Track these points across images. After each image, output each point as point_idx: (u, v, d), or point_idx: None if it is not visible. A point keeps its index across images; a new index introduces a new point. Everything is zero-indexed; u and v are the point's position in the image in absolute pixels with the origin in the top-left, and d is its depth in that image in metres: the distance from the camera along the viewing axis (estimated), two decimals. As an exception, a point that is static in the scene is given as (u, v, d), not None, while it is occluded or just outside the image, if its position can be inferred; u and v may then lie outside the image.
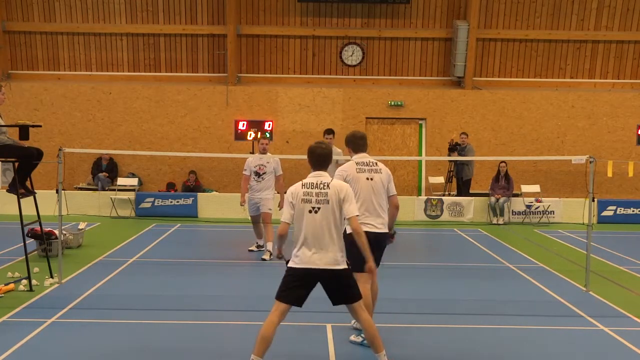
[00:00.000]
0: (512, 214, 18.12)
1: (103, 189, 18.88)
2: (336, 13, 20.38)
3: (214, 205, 17.98)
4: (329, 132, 12.43)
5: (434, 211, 18.15)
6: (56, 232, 10.52)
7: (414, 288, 9.66)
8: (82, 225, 13.02)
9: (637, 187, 20.06)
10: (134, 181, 19.22)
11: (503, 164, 18.23)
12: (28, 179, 9.28)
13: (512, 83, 20.75)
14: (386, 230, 6.71)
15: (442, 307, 8.48)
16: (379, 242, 6.56)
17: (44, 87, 20.06)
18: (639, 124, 20.32)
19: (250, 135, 19.62)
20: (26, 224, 9.10)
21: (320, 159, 5.81)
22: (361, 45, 20.51)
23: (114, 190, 18.52)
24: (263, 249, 11.95)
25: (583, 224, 10.17)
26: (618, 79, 20.72)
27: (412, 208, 17.91)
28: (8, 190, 9.25)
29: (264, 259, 11.41)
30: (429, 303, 8.72)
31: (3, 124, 8.95)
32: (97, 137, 19.98)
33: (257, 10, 20.31)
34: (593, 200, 9.52)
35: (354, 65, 20.64)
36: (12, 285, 8.79)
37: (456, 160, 18.59)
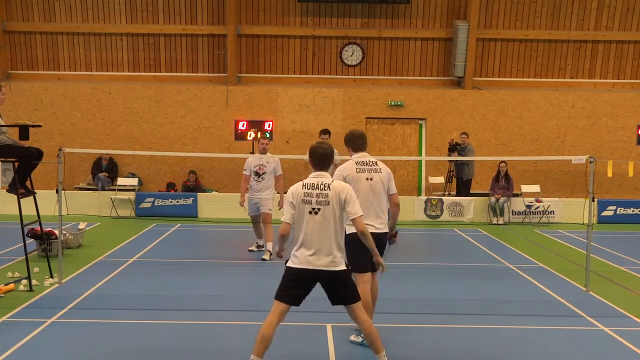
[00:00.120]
0: (512, 214, 18.12)
1: (103, 189, 18.88)
2: (336, 13, 20.39)
3: (214, 205, 17.99)
4: (325, 132, 12.46)
5: (434, 211, 18.15)
6: (56, 232, 10.52)
7: (414, 288, 9.66)
8: (82, 225, 13.02)
9: (637, 187, 20.06)
10: (134, 181, 19.22)
11: (503, 164, 18.23)
12: (28, 179, 9.28)
13: (512, 83, 20.75)
14: (386, 230, 6.70)
15: (442, 307, 8.48)
16: (379, 242, 6.54)
17: (44, 87, 20.06)
18: (639, 124, 20.32)
19: (250, 135, 19.63)
20: (26, 224, 9.10)
21: (321, 159, 5.80)
22: (361, 45, 20.51)
23: (114, 190, 18.52)
24: (263, 249, 11.95)
25: (583, 224, 10.17)
26: (618, 79, 20.72)
27: (412, 208, 17.91)
28: (8, 190, 9.25)
29: (264, 259, 11.41)
30: (429, 303, 8.72)
31: (3, 124, 8.95)
32: (97, 137, 19.98)
33: (257, 10, 20.31)
34: (593, 200, 9.52)
35: (354, 65, 20.64)
36: (12, 285, 8.79)
37: (456, 160, 18.59)
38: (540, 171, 20.11)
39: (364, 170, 6.65)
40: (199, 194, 18.34)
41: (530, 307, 8.50)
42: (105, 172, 19.45)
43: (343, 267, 5.65)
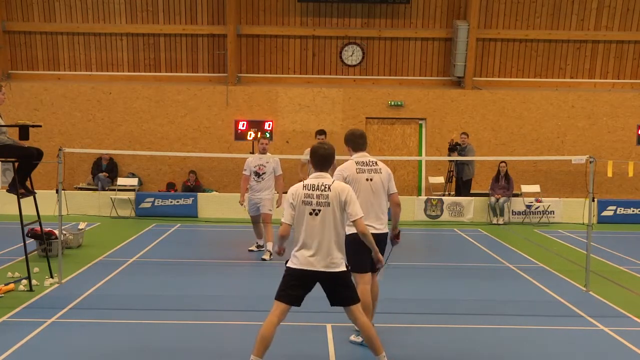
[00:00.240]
0: (512, 214, 18.12)
1: (103, 189, 18.88)
2: (336, 13, 20.38)
3: (214, 205, 17.99)
4: (321, 132, 12.50)
5: (434, 211, 18.15)
6: (56, 232, 10.52)
7: (414, 288, 9.66)
8: (82, 225, 13.02)
9: (637, 187, 20.06)
10: (134, 181, 19.22)
11: (503, 164, 18.23)
12: (28, 179, 9.28)
13: (512, 83, 20.75)
14: (386, 231, 6.69)
15: (442, 307, 8.48)
16: (379, 242, 6.53)
17: (44, 87, 20.06)
18: (639, 124, 20.32)
19: (250, 135, 19.63)
20: (26, 224, 9.10)
21: (322, 159, 5.79)
22: (361, 45, 20.51)
23: (114, 190, 18.52)
24: (263, 249, 11.95)
25: (583, 224, 10.17)
26: (618, 79, 20.72)
27: (412, 208, 17.91)
28: (8, 190, 9.25)
29: (264, 259, 11.41)
30: (429, 303, 8.72)
31: (3, 124, 8.95)
32: (97, 137, 19.98)
33: (257, 10, 20.31)
34: (593, 200, 9.52)
35: (354, 65, 20.64)
36: (12, 285, 8.80)
37: (456, 160, 18.59)
38: (540, 171, 20.11)
39: (364, 170, 6.64)
40: (199, 194, 18.34)
41: (530, 307, 8.50)
42: (105, 172, 19.45)
43: (343, 268, 5.64)
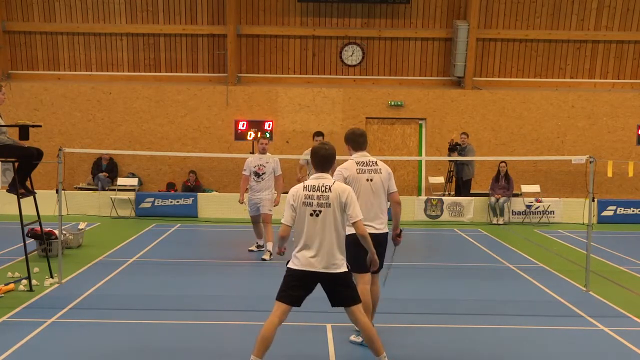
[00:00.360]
0: (512, 214, 18.12)
1: (103, 189, 18.88)
2: (336, 13, 20.39)
3: (214, 205, 17.99)
4: (319, 134, 12.50)
5: (434, 211, 18.15)
6: (56, 232, 10.52)
7: (414, 288, 9.65)
8: (82, 225, 13.02)
9: (637, 187, 20.06)
10: (134, 181, 19.22)
11: (503, 164, 18.23)
12: (28, 179, 9.28)
13: (512, 83, 20.75)
14: (386, 231, 6.69)
15: (442, 307, 8.48)
16: (380, 242, 6.54)
17: (44, 87, 20.06)
18: (639, 124, 20.32)
19: (250, 135, 19.63)
20: (26, 224, 9.09)
21: (322, 160, 5.78)
22: (361, 45, 20.51)
23: (114, 190, 18.52)
24: (263, 249, 11.95)
25: (583, 224, 10.17)
26: (618, 79, 20.72)
27: (412, 208, 17.91)
28: (8, 190, 9.25)
29: (264, 259, 11.42)
30: (429, 303, 8.72)
31: (3, 124, 8.95)
32: (97, 137, 19.98)
33: (257, 10, 20.31)
34: (593, 200, 9.52)
35: (354, 65, 20.64)
36: (12, 285, 8.79)
37: (456, 160, 18.59)
38: (540, 171, 20.11)
39: (364, 171, 6.62)
40: (199, 194, 18.34)
41: (530, 307, 8.50)
42: (105, 172, 19.45)
43: (344, 269, 5.64)
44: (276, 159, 11.94)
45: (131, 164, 20.07)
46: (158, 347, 6.64)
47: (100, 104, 20.07)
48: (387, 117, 20.40)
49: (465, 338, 7.18)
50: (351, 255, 5.88)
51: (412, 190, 20.34)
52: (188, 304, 8.37)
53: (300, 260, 5.59)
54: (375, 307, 6.82)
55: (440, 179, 19.96)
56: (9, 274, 9.50)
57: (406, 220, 17.00)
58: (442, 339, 7.11)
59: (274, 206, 11.76)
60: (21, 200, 8.90)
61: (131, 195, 18.15)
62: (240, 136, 19.80)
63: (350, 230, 5.84)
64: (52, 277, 9.43)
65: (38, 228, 10.19)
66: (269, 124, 19.81)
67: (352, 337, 6.82)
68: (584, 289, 9.45)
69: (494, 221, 17.71)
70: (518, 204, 18.21)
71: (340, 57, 20.59)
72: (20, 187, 8.98)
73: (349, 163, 6.69)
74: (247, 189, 11.97)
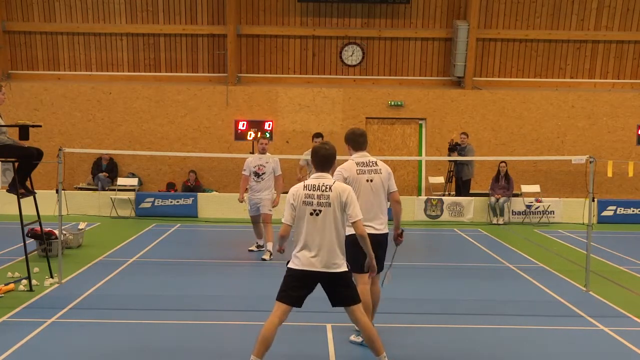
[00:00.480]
0: (512, 214, 18.12)
1: (103, 189, 18.88)
2: (336, 13, 20.39)
3: (214, 205, 17.99)
4: (318, 135, 12.50)
5: (434, 211, 18.15)
6: (56, 232, 10.52)
7: (414, 288, 9.65)
8: (82, 225, 13.02)
9: (637, 187, 20.06)
10: (134, 181, 19.22)
11: (503, 164, 18.22)
12: (28, 179, 9.28)
13: (512, 83, 20.75)
14: (386, 231, 6.68)
15: (442, 307, 8.48)
16: (380, 242, 6.54)
17: (44, 87, 20.06)
18: (639, 124, 20.32)
19: (250, 135, 19.62)
20: (26, 224, 9.09)
21: (323, 159, 5.78)
22: (361, 45, 20.51)
23: (114, 190, 18.52)
24: (263, 249, 11.95)
25: (583, 224, 10.17)
26: (618, 79, 20.72)
27: (412, 208, 17.91)
28: (8, 190, 9.25)
29: (264, 259, 11.42)
30: (429, 303, 8.72)
31: (3, 124, 8.95)
32: (97, 137, 19.98)
33: (257, 10, 20.32)
34: (593, 200, 9.52)
35: (354, 65, 20.64)
36: (12, 285, 8.79)
37: (456, 160, 18.59)
38: (540, 171, 20.11)
39: (364, 171, 6.61)
40: (199, 194, 18.34)
41: (530, 307, 8.50)
42: (105, 172, 19.45)
43: (344, 268, 5.64)
44: (276, 159, 11.94)
45: (131, 164, 20.07)
46: (158, 347, 6.64)
47: (100, 104, 20.07)
48: (387, 117, 20.40)
49: (465, 338, 7.18)
50: (351, 255, 5.87)
51: (412, 190, 20.34)
52: (188, 304, 8.37)
53: (301, 260, 5.58)
54: (375, 307, 6.82)
55: (440, 179, 19.96)
56: (9, 274, 9.50)
57: (406, 220, 16.99)
58: (442, 339, 7.11)
59: (274, 207, 11.75)
60: (21, 200, 8.90)
61: (131, 195, 18.15)
62: (240, 136, 19.79)
63: (350, 231, 5.84)
64: (52, 277, 9.43)
65: (38, 228, 10.19)
66: (269, 124, 19.81)
67: (352, 337, 6.82)
68: (584, 289, 9.45)
69: (494, 221, 17.71)
70: (518, 204, 18.21)
71: (340, 57, 20.59)
72: (20, 187, 8.98)
73: (348, 163, 6.68)
74: (247, 188, 11.97)
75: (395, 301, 8.42)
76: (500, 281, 10.24)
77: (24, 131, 8.81)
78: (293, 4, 20.20)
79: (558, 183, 20.09)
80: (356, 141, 6.80)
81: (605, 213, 18.25)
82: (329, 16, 20.41)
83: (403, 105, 20.28)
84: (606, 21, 20.27)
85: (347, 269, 5.66)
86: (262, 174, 11.71)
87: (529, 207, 18.17)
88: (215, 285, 9.66)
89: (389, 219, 6.79)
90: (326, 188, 5.63)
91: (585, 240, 10.14)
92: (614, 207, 18.38)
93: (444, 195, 18.95)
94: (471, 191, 18.89)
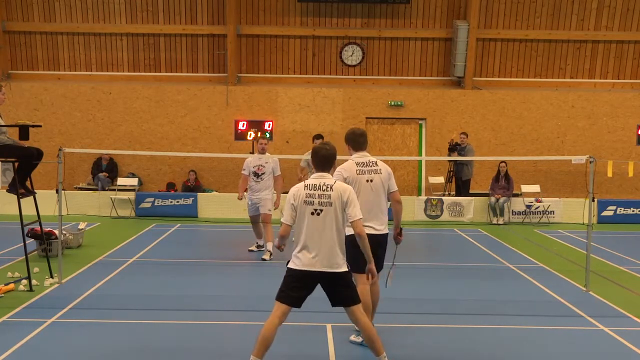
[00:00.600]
0: (512, 214, 18.12)
1: (103, 189, 18.88)
2: (336, 13, 20.39)
3: (214, 205, 17.99)
4: (318, 137, 12.52)
5: (434, 211, 18.15)
6: (56, 232, 10.52)
7: (414, 288, 9.65)
8: (82, 225, 13.02)
9: (637, 187, 20.06)
10: (134, 181, 19.22)
11: (503, 164, 18.22)
12: (28, 179, 9.28)
13: (512, 83, 20.75)
14: (386, 232, 6.68)
15: (442, 307, 8.48)
16: (380, 243, 6.54)
17: (44, 87, 20.06)
18: (639, 124, 20.31)
19: (250, 135, 19.61)
20: (26, 224, 9.09)
21: (323, 160, 5.79)
22: (361, 45, 20.51)
23: (114, 190, 18.52)
24: (263, 249, 11.95)
25: (583, 224, 10.17)
26: (618, 79, 20.72)
27: (412, 208, 17.90)
28: (8, 190, 9.25)
29: (264, 259, 11.42)
30: (429, 303, 8.72)
31: (3, 124, 8.95)
32: (97, 137, 19.98)
33: (257, 10, 20.31)
34: (593, 200, 9.52)
35: (354, 65, 20.64)
36: (12, 285, 8.79)
37: (456, 160, 18.59)
38: (540, 171, 20.11)
39: (364, 172, 6.60)
40: (199, 194, 18.34)
41: (530, 307, 8.50)
42: (105, 172, 19.45)
43: (345, 268, 5.64)
44: (275, 159, 11.94)
45: (131, 164, 20.07)
46: (158, 347, 6.64)
47: (100, 104, 20.07)
48: (387, 117, 20.40)
49: (465, 338, 7.18)
50: (351, 255, 5.87)
51: (412, 190, 20.34)
52: (188, 304, 8.37)
53: (301, 259, 5.58)
54: (375, 307, 6.82)
55: (440, 179, 19.96)
56: (9, 274, 9.50)
57: (406, 220, 16.99)
58: (442, 339, 7.12)
59: (275, 208, 11.75)
60: (21, 200, 8.90)
61: (131, 195, 18.15)
62: (240, 136, 19.78)
63: (350, 231, 5.84)
64: (52, 277, 9.43)
65: (38, 228, 10.19)
66: (269, 124, 19.80)
67: (352, 337, 6.82)
68: (584, 289, 9.45)
69: (494, 221, 17.71)
70: (518, 204, 18.21)
71: (340, 57, 20.59)
72: (20, 187, 8.98)
73: (348, 164, 6.67)
74: (246, 188, 11.97)
75: (395, 301, 8.42)
76: (500, 281, 10.25)
77: (24, 131, 8.81)
78: (293, 4, 20.20)
79: (558, 183, 20.09)
80: (356, 141, 6.79)
81: (605, 213, 18.25)
82: (329, 16, 20.41)
83: (403, 105, 20.28)
84: (606, 21, 20.27)
85: (347, 269, 5.66)
86: (262, 174, 11.71)
87: (529, 207, 18.17)
88: (215, 285, 9.66)
89: (389, 219, 6.79)
90: (327, 188, 5.63)
91: (585, 240, 10.14)
92: (614, 207, 18.38)
93: (444, 195, 18.95)
94: (471, 191, 18.90)
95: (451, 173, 19.23)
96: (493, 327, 7.60)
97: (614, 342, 7.06)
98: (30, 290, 8.77)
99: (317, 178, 5.72)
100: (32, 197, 9.31)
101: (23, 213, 8.85)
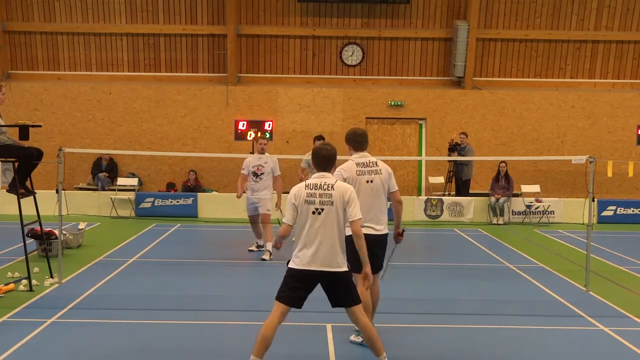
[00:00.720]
0: (512, 214, 18.12)
1: (103, 189, 18.88)
2: (336, 13, 20.38)
3: (214, 205, 17.98)
4: (319, 138, 12.52)
5: (434, 211, 18.15)
6: (56, 232, 10.52)
7: (414, 288, 9.66)
8: (82, 225, 13.02)
9: (637, 187, 20.06)
10: (134, 181, 19.22)
11: (503, 164, 18.22)
12: (28, 179, 9.28)
13: (512, 83, 20.75)
14: (386, 232, 6.67)
15: (442, 307, 8.48)
16: (379, 242, 6.54)
17: (44, 87, 20.06)
18: (639, 124, 20.31)
19: (250, 135, 19.61)
20: (26, 224, 9.09)
21: (324, 160, 5.79)
22: (361, 45, 20.51)
23: (114, 190, 18.53)
24: (263, 249, 11.95)
25: (583, 224, 10.17)
26: (618, 79, 20.72)
27: (412, 208, 17.90)
28: (8, 190, 9.25)
29: (264, 259, 11.42)
30: (429, 303, 8.72)
31: (3, 124, 8.95)
32: (97, 137, 19.98)
33: (257, 10, 20.31)
34: (593, 200, 9.52)
35: (354, 65, 20.64)
36: (12, 285, 8.80)
37: (456, 160, 18.59)
38: (540, 171, 20.11)
39: (364, 172, 6.59)
40: (199, 194, 18.34)
41: (530, 307, 8.50)
42: (105, 172, 19.45)
43: (345, 268, 5.64)
44: (275, 159, 11.94)
45: (131, 164, 20.07)
46: (158, 347, 6.64)
47: (100, 104, 20.07)
48: (387, 117, 20.40)
49: (465, 338, 7.18)
50: (351, 255, 5.87)
51: (412, 190, 20.34)
52: (188, 304, 8.37)
53: (302, 259, 5.58)
54: (375, 307, 6.82)
55: (440, 179, 19.96)
56: (9, 274, 9.50)
57: (406, 220, 16.97)
58: (442, 339, 7.12)
59: (277, 209, 11.73)
60: (21, 200, 8.90)
61: (131, 195, 18.15)
62: (240, 136, 19.78)
63: (350, 231, 5.84)
64: (52, 277, 9.43)
65: (38, 228, 10.19)
66: (269, 124, 19.80)
67: (352, 337, 6.82)
68: (584, 289, 9.45)
69: (494, 221, 17.71)
70: (518, 204, 18.21)
71: (340, 57, 20.59)
72: (20, 187, 8.98)
73: (348, 164, 6.66)
74: (243, 186, 11.96)
75: (395, 301, 8.42)
76: (500, 281, 10.25)
77: (24, 131, 8.81)
78: (293, 4, 20.20)
79: (558, 183, 20.09)
80: (357, 141, 6.78)
81: (605, 213, 18.25)
82: (329, 16, 20.41)
83: (403, 105, 20.27)
84: (606, 21, 20.27)
85: (347, 269, 5.65)
86: (261, 174, 11.72)
87: (529, 207, 18.17)
88: (215, 285, 9.66)
89: (389, 219, 6.79)
90: (328, 187, 5.64)
91: (585, 240, 10.14)
92: (614, 207, 18.38)
93: (444, 195, 18.95)
94: (471, 191, 18.90)
95: (451, 173, 19.23)
96: (493, 327, 7.60)
97: (614, 342, 7.06)
98: (30, 290, 8.77)
99: (318, 178, 5.73)
100: (32, 197, 9.31)
101: (23, 213, 8.86)
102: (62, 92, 20.05)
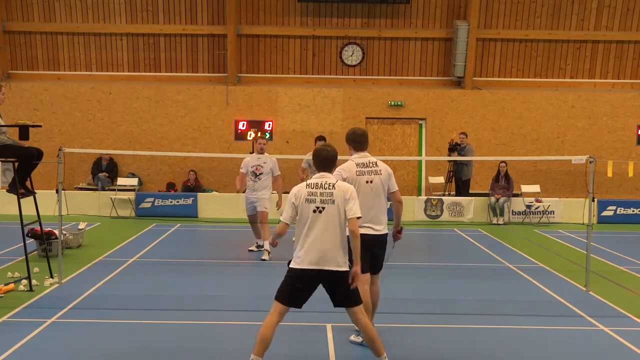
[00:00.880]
0: (512, 214, 18.12)
1: (103, 189, 18.88)
2: (336, 13, 20.38)
3: (214, 205, 17.98)
4: (320, 138, 12.54)
5: (434, 211, 18.15)
6: (56, 232, 10.52)
7: (414, 288, 9.66)
8: (82, 225, 13.02)
9: (637, 187, 20.06)
10: (134, 181, 19.22)
11: (503, 164, 18.22)
12: (28, 179, 9.28)
13: (512, 83, 20.75)
14: (385, 232, 6.67)
15: (442, 307, 8.48)
16: (378, 242, 6.54)
17: (44, 87, 20.06)
18: (639, 124, 20.32)
19: (250, 135, 19.63)
20: (26, 224, 9.09)
21: (324, 161, 5.81)
22: (361, 45, 20.51)
23: (114, 190, 18.53)
24: (263, 249, 11.95)
25: (583, 224, 10.17)
26: (618, 79, 20.72)
27: (412, 208, 17.90)
28: (8, 190, 9.25)
29: (263, 259, 11.42)
30: (429, 303, 8.72)
31: (3, 124, 8.95)
32: (97, 137, 19.98)
33: (257, 10, 20.31)
34: (593, 200, 9.52)
35: (354, 65, 20.64)
36: (12, 285, 8.79)
37: (456, 160, 18.59)
38: (540, 171, 20.11)
39: (364, 173, 6.59)
40: (199, 194, 18.34)
41: (530, 307, 8.50)
42: (105, 172, 19.45)
43: (346, 267, 5.64)
44: (274, 159, 11.94)
45: (131, 164, 20.07)
46: (158, 347, 6.64)
47: (100, 104, 20.07)
48: (387, 117, 20.40)
49: (465, 338, 7.18)
50: (351, 255, 5.86)
51: (412, 190, 20.34)
52: (188, 304, 8.37)
53: (302, 259, 5.58)
54: (375, 307, 6.82)
55: (440, 179, 19.96)
56: (9, 274, 9.50)
57: (406, 220, 16.99)
58: (442, 339, 7.12)
59: (277, 209, 11.73)
60: (21, 200, 8.90)
61: (131, 195, 18.15)
62: (240, 136, 19.80)
63: (351, 231, 5.84)
64: (52, 277, 9.43)
65: (38, 228, 10.19)
66: (269, 124, 19.81)
67: (352, 337, 6.82)
68: (584, 289, 9.45)
69: (494, 221, 17.71)
70: (518, 204, 18.21)
71: (340, 57, 20.59)
72: (20, 187, 8.98)
73: (348, 164, 6.65)
74: (241, 185, 11.98)
75: (395, 301, 8.42)
76: (500, 281, 10.24)
77: (24, 131, 8.81)
78: (293, 4, 20.20)
79: (558, 183, 20.09)
80: (357, 141, 6.78)
81: (605, 213, 18.25)
82: (329, 16, 20.41)
83: (403, 105, 20.28)
84: (606, 21, 20.27)
85: (348, 269, 5.65)
86: (260, 174, 11.72)
87: (529, 207, 18.17)
88: (215, 285, 9.66)
89: (389, 219, 6.79)
90: (329, 186, 5.65)
91: (585, 240, 10.14)
92: (614, 207, 18.38)
93: (444, 195, 18.95)
94: (471, 191, 18.90)
95: (451, 173, 19.23)
96: (493, 327, 7.60)
97: (614, 342, 7.06)
98: (30, 290, 8.77)
99: (319, 177, 5.75)
100: (32, 197, 9.31)
101: (23, 213, 8.86)
102: (62, 92, 20.05)
